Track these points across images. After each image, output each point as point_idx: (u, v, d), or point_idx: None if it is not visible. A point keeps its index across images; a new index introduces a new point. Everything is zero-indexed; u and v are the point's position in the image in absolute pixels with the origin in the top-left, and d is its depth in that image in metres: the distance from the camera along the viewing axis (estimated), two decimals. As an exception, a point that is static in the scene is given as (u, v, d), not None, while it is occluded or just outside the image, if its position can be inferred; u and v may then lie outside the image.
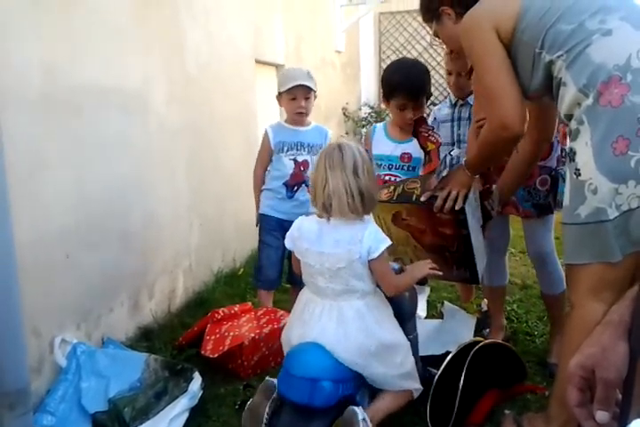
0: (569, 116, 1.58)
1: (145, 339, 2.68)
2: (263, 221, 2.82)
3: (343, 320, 1.77)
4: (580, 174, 1.50)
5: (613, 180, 1.42)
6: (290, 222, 2.73)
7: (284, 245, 2.81)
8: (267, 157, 2.80)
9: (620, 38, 1.45)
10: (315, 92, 2.75)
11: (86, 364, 2.16)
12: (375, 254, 1.75)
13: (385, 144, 2.48)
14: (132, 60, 2.67)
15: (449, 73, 2.63)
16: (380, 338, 1.77)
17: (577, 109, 1.52)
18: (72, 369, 2.14)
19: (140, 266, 2.78)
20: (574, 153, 1.53)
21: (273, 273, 2.79)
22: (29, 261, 2.01)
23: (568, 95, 1.54)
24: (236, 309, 2.66)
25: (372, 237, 1.75)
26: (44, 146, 2.14)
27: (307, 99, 2.72)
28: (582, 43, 1.48)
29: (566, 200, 1.58)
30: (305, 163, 2.77)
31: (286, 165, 2.75)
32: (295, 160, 2.76)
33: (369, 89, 7.34)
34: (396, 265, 1.99)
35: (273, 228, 2.77)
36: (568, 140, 2.36)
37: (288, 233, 1.92)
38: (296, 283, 2.87)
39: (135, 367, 2.23)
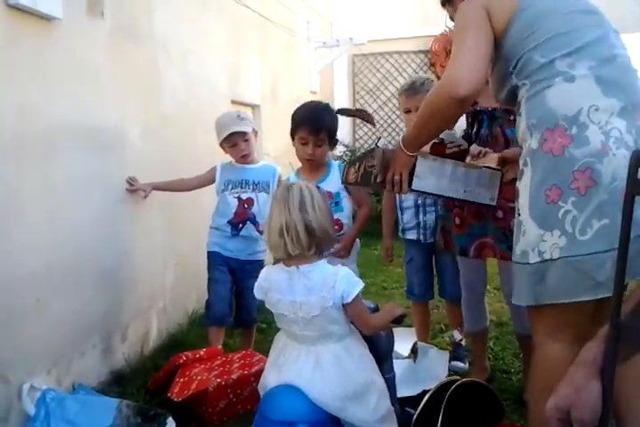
0: (521, 146, 1.63)
1: (117, 384, 2.61)
2: (210, 257, 2.84)
3: (320, 365, 1.74)
4: (519, 214, 1.53)
5: (541, 226, 1.44)
6: (235, 260, 2.81)
7: (231, 280, 2.81)
8: (205, 180, 2.91)
9: (578, 89, 1.46)
10: (252, 131, 2.82)
11: (56, 411, 2.09)
12: (349, 298, 1.73)
13: None
14: (108, 100, 2.69)
15: (407, 111, 2.68)
16: (357, 380, 1.75)
17: (524, 145, 1.56)
18: (41, 417, 2.06)
19: (112, 308, 2.74)
20: (518, 193, 1.56)
21: (221, 308, 2.77)
22: (-2, 305, 1.97)
23: (521, 126, 1.58)
24: (201, 353, 2.58)
25: (344, 282, 1.73)
26: (16, 188, 2.12)
27: (246, 141, 2.79)
28: (545, 81, 1.49)
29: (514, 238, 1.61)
30: (249, 200, 2.81)
31: (230, 204, 2.80)
32: (239, 198, 2.81)
33: (343, 128, 7.44)
34: (371, 304, 1.99)
35: (219, 263, 2.80)
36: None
37: (257, 284, 1.88)
38: (244, 325, 2.91)
39: (107, 414, 2.16)
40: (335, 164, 2.55)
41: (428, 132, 1.73)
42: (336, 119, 2.50)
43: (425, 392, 2.06)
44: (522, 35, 1.54)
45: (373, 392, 1.78)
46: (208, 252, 2.85)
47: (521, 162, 1.56)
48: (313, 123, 2.39)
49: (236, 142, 2.78)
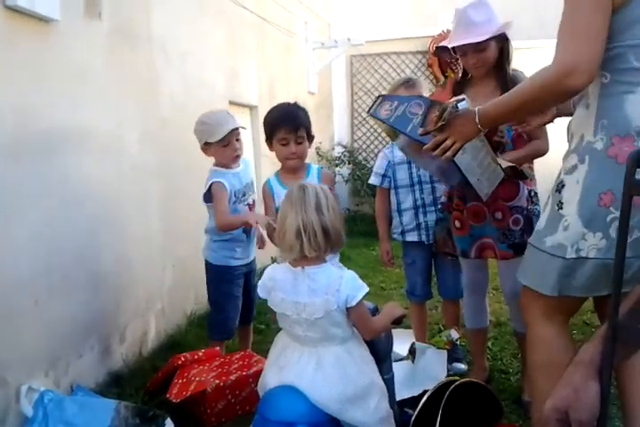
0: (571, 134, 1.60)
1: (115, 385, 2.61)
2: (223, 272, 2.67)
3: (322, 366, 1.74)
4: (561, 208, 1.54)
5: (586, 225, 1.46)
6: (247, 265, 2.73)
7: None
8: (227, 205, 2.63)
9: None
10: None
11: (54, 412, 2.09)
12: (353, 302, 1.72)
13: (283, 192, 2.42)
14: (106, 103, 2.68)
15: None
16: (359, 383, 1.74)
17: (584, 140, 1.52)
18: (39, 418, 2.06)
19: (111, 309, 2.73)
20: (563, 186, 1.56)
21: (234, 324, 2.71)
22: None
23: (582, 117, 1.54)
24: (200, 354, 2.58)
25: (349, 286, 1.72)
26: (15, 190, 2.12)
27: (238, 140, 2.65)
28: (628, 85, 1.44)
29: (540, 225, 1.62)
30: (254, 203, 2.77)
31: (241, 212, 2.67)
32: (248, 204, 2.73)
33: (341, 129, 7.46)
34: (371, 305, 1.99)
35: (236, 277, 2.70)
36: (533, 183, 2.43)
37: (260, 282, 1.87)
38: (247, 321, 2.87)
39: (105, 415, 2.16)
40: (314, 167, 2.48)
41: (518, 115, 1.70)
42: (308, 115, 2.45)
43: (424, 393, 2.06)
44: (631, 22, 1.40)
45: (374, 395, 1.78)
46: (218, 266, 2.67)
47: (576, 157, 1.53)
48: (290, 121, 2.34)
49: (230, 141, 2.60)
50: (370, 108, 1.93)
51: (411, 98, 1.88)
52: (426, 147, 1.79)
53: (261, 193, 2.50)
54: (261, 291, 1.87)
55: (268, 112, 2.45)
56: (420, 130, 1.78)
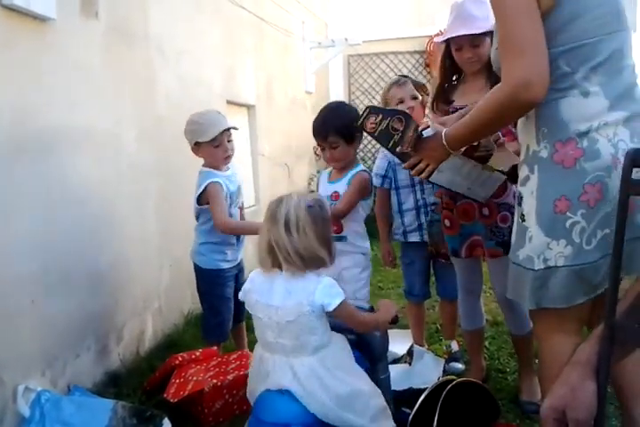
0: (519, 145, 1.65)
1: (113, 384, 2.60)
2: (217, 276, 2.65)
3: (297, 378, 1.71)
4: (524, 220, 1.55)
5: (547, 234, 1.47)
6: (237, 265, 2.72)
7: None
8: (226, 205, 2.58)
9: (590, 105, 1.44)
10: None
11: (51, 412, 2.09)
12: (330, 308, 1.69)
13: (323, 186, 2.53)
14: (103, 102, 2.68)
15: (400, 102, 2.70)
16: (338, 391, 1.70)
17: (527, 148, 1.56)
18: (36, 418, 2.06)
19: (108, 309, 2.73)
20: (521, 198, 1.57)
21: (230, 325, 2.72)
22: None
23: (526, 127, 1.57)
24: (197, 353, 2.58)
25: (325, 292, 1.69)
26: (13, 189, 2.12)
27: (230, 141, 2.62)
28: (561, 91, 1.46)
29: (513, 239, 1.62)
30: (242, 205, 2.77)
31: (234, 215, 2.66)
32: (240, 208, 2.73)
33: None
34: (366, 305, 1.99)
35: (229, 279, 2.69)
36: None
37: (244, 286, 1.87)
38: (240, 319, 2.85)
39: (102, 415, 2.16)
40: (355, 169, 2.41)
41: (482, 135, 1.73)
42: (345, 116, 2.37)
43: (420, 392, 2.07)
44: (560, 26, 1.42)
45: (360, 400, 1.75)
46: (209, 270, 2.64)
47: (526, 168, 1.56)
48: (319, 130, 2.40)
49: (221, 142, 2.57)
50: (358, 120, 1.99)
51: (394, 111, 1.92)
52: (404, 166, 1.87)
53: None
54: (241, 293, 1.87)
55: (319, 112, 2.50)
56: (398, 148, 1.83)
